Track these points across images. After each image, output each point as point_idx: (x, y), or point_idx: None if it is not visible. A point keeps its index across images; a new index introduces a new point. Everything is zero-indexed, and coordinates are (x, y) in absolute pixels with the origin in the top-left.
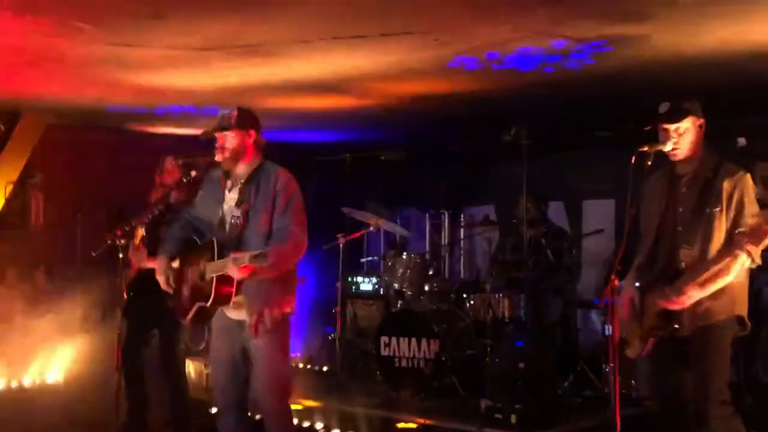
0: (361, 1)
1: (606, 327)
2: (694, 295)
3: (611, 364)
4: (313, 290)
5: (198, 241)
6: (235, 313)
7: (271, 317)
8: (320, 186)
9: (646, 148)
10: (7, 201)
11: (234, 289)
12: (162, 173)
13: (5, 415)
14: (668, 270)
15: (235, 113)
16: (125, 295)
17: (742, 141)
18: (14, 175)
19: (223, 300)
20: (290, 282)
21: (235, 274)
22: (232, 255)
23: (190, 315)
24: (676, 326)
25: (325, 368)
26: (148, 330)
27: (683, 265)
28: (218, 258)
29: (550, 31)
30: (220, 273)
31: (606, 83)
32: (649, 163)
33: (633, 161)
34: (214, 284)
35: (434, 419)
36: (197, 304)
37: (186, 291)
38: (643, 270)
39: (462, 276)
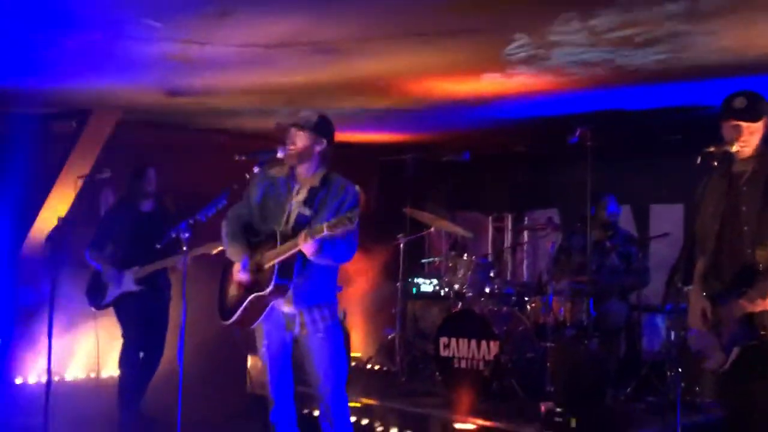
0: None
1: (672, 333)
2: None
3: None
4: (373, 290)
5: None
6: (285, 307)
7: (320, 309)
8: (382, 187)
9: (712, 149)
10: (78, 196)
11: (294, 277)
12: (143, 180)
13: (87, 404)
14: (743, 274)
15: (316, 117)
16: None
17: None
18: (85, 170)
19: (282, 288)
20: (333, 278)
21: (307, 247)
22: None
23: (240, 311)
24: (763, 332)
25: (384, 368)
26: None
27: (761, 266)
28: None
29: (616, 28)
30: (285, 254)
31: (673, 85)
32: (716, 163)
33: (699, 162)
34: (275, 272)
35: (493, 421)
36: (252, 296)
37: (234, 289)
38: (708, 279)
39: (525, 278)
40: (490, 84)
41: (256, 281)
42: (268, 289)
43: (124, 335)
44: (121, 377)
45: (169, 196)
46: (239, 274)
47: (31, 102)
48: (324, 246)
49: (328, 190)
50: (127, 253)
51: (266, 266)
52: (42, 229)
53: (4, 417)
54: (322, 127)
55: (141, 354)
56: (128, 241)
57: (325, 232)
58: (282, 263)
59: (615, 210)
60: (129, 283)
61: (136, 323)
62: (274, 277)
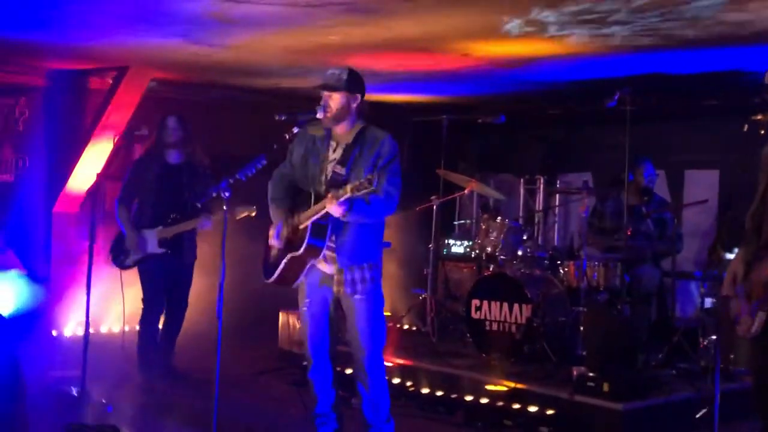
0: None
1: (705, 300)
2: None
3: (711, 337)
4: (404, 251)
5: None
6: (327, 267)
7: (362, 270)
8: (415, 147)
9: (759, 117)
10: (114, 152)
11: (326, 238)
12: (164, 130)
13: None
14: None
15: (345, 75)
16: None
17: None
18: (121, 127)
19: (315, 249)
20: (377, 237)
21: (334, 209)
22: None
23: (279, 271)
24: None
25: (414, 328)
26: None
27: None
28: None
29: None
30: (316, 215)
31: (713, 50)
32: (762, 132)
33: (745, 129)
34: (308, 232)
35: (524, 383)
36: (288, 256)
37: (275, 250)
38: (749, 244)
39: (556, 242)
40: (530, 46)
41: (292, 241)
42: (301, 250)
43: (145, 298)
44: (140, 341)
45: (200, 145)
46: (271, 240)
47: (68, 57)
48: (355, 206)
49: (362, 147)
50: (156, 208)
51: (301, 227)
52: (76, 185)
53: (42, 369)
54: (354, 83)
55: (162, 317)
56: (155, 195)
57: (348, 195)
58: (314, 224)
59: (653, 175)
60: (152, 244)
61: (158, 286)
62: (307, 238)
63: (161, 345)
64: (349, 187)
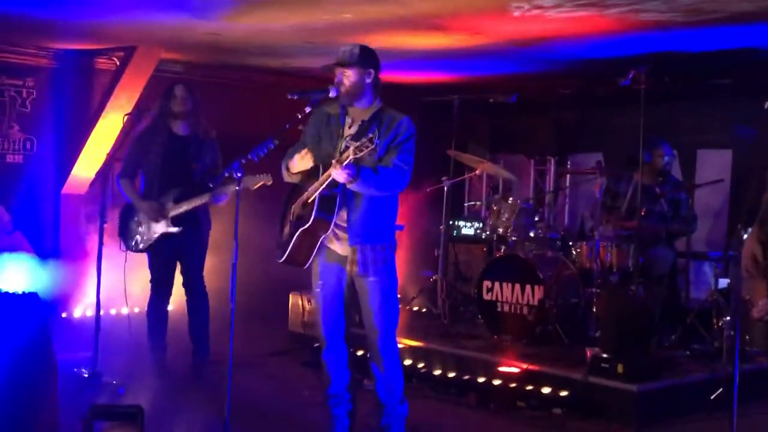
0: None
1: (719, 280)
2: None
3: (725, 318)
4: (414, 232)
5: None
6: (338, 247)
7: (374, 250)
8: (426, 128)
9: None
10: (123, 132)
11: (335, 211)
12: (171, 99)
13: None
14: None
15: (357, 50)
16: None
17: None
18: (129, 108)
19: (323, 222)
20: (390, 217)
21: (338, 173)
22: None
23: (290, 248)
24: None
25: (424, 309)
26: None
27: None
28: None
29: None
30: (323, 185)
31: (727, 27)
32: None
33: (767, 107)
34: (315, 204)
35: (538, 365)
36: (299, 231)
37: (288, 227)
38: (765, 224)
39: (566, 223)
40: (542, 24)
41: (302, 216)
42: (310, 221)
43: (153, 279)
44: (149, 325)
45: (205, 117)
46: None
47: (75, 36)
48: (363, 172)
49: (379, 125)
50: (162, 181)
51: (309, 200)
52: (85, 166)
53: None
54: (367, 58)
55: (169, 306)
56: (161, 167)
57: (351, 156)
58: (322, 196)
59: (671, 157)
60: (163, 224)
61: (169, 266)
62: (314, 210)
63: (192, 347)
64: (351, 149)
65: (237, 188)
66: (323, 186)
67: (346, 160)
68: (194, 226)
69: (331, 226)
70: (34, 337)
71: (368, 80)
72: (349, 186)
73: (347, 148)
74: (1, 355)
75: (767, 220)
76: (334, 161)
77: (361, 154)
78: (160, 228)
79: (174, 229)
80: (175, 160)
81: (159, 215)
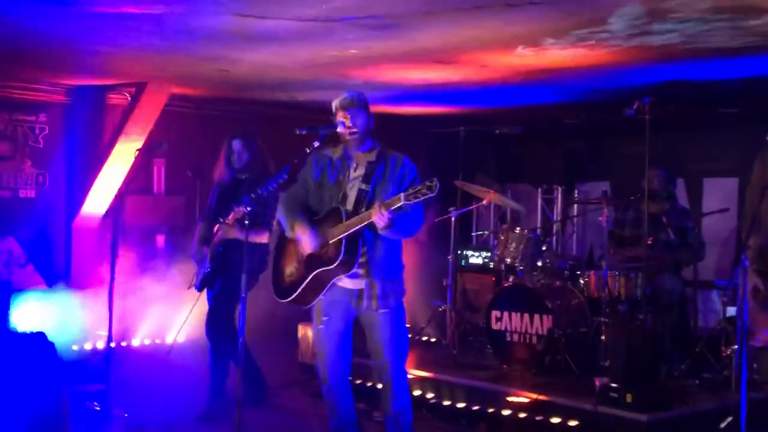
0: None
1: (727, 309)
2: None
3: (733, 347)
4: (422, 262)
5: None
6: (351, 283)
7: (392, 283)
8: (432, 158)
9: None
10: (134, 167)
11: (359, 253)
12: (232, 155)
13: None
14: None
15: (362, 95)
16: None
17: None
18: (141, 141)
19: (348, 264)
20: (400, 249)
21: (379, 218)
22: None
23: (301, 288)
24: None
25: (433, 339)
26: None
27: None
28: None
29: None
30: (355, 228)
31: (733, 58)
32: None
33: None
34: (342, 246)
35: (547, 395)
36: (316, 272)
37: (292, 267)
38: (765, 255)
39: (574, 252)
40: (548, 57)
41: (320, 257)
42: (335, 264)
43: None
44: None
45: (272, 160)
46: (309, 243)
47: (87, 72)
48: (397, 218)
49: (385, 165)
50: (206, 221)
51: (332, 242)
52: (95, 200)
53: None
54: (367, 103)
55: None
56: (210, 210)
57: (402, 202)
58: (348, 238)
59: (664, 176)
60: (205, 262)
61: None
62: (341, 252)
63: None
64: (402, 195)
65: (246, 222)
66: (356, 228)
67: (395, 205)
68: (227, 264)
69: (354, 267)
70: (43, 376)
71: (372, 124)
72: (381, 231)
73: (366, 197)
74: (12, 395)
75: (765, 250)
76: (376, 205)
77: (414, 201)
78: (204, 266)
79: (208, 268)
80: (222, 200)
81: (202, 262)
